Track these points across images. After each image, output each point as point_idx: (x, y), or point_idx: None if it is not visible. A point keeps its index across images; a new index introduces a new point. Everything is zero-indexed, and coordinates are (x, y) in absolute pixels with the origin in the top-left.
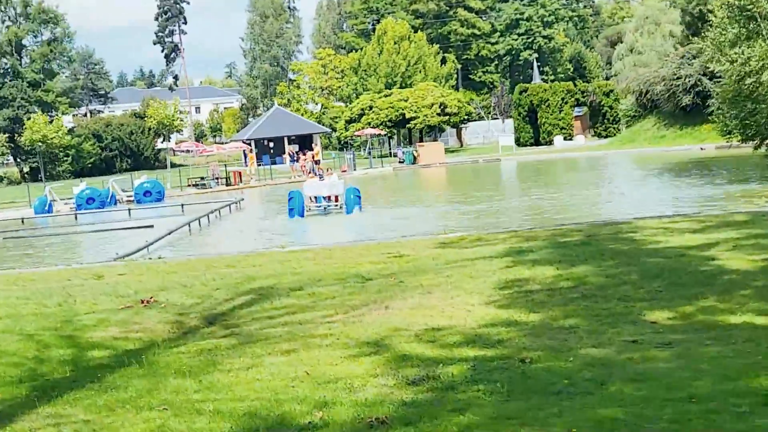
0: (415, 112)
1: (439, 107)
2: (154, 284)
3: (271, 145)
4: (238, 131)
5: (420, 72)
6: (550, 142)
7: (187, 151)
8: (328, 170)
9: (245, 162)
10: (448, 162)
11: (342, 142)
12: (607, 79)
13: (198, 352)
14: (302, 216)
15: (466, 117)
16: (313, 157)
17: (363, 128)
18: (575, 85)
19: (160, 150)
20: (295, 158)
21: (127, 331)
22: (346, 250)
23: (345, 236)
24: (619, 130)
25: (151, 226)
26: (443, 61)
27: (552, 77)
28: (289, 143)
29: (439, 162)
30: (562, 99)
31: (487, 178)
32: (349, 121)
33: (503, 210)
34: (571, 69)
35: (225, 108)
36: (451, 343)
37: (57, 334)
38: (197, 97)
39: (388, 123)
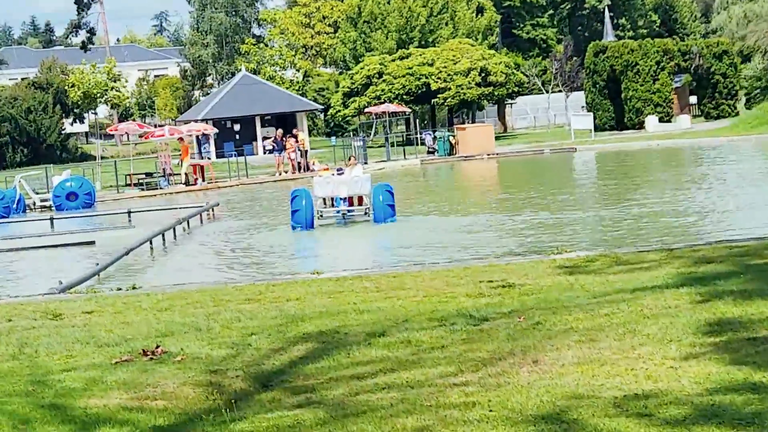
0: (445, 80)
1: (479, 74)
2: (147, 327)
3: (237, 127)
4: (178, 108)
5: (447, 25)
6: (640, 125)
7: (125, 136)
8: (350, 160)
9: (199, 150)
10: (500, 153)
11: (333, 124)
12: (706, 36)
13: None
14: (311, 227)
15: (516, 89)
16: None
17: (373, 104)
18: (675, 44)
19: (69, 135)
20: (280, 146)
21: (140, 397)
22: (420, 278)
23: (383, 257)
24: (734, 108)
25: (92, 243)
26: (479, 10)
27: (630, 33)
28: (264, 125)
29: (488, 153)
30: (657, 63)
31: (565, 175)
32: (349, 94)
33: (612, 220)
34: (657, 22)
35: (156, 76)
36: (679, 419)
37: (33, 403)
38: (118, 61)
39: (404, 96)
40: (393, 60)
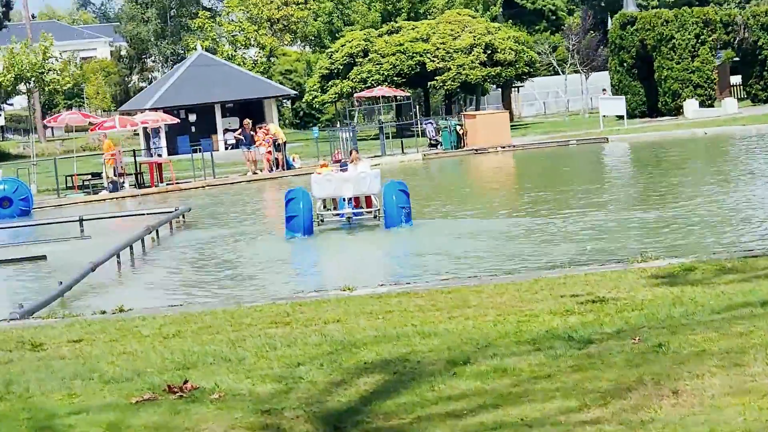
0: (443, 59)
1: (484, 52)
2: (160, 358)
3: (192, 118)
4: (113, 97)
5: None
6: (677, 110)
7: (51, 131)
8: (353, 153)
9: (147, 146)
10: (517, 145)
11: (303, 113)
12: (746, 3)
13: None
14: (310, 233)
15: (526, 69)
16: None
17: (360, 88)
18: (715, 13)
19: None
20: (249, 140)
21: None
22: (482, 293)
23: (408, 269)
24: None
25: (43, 258)
26: None
27: (655, 2)
28: (225, 114)
29: (503, 145)
30: (697, 37)
31: (600, 170)
32: (328, 77)
33: (680, 221)
34: None
35: (83, 59)
36: None
37: None
38: (37, 40)
39: (395, 79)
40: (380, 35)
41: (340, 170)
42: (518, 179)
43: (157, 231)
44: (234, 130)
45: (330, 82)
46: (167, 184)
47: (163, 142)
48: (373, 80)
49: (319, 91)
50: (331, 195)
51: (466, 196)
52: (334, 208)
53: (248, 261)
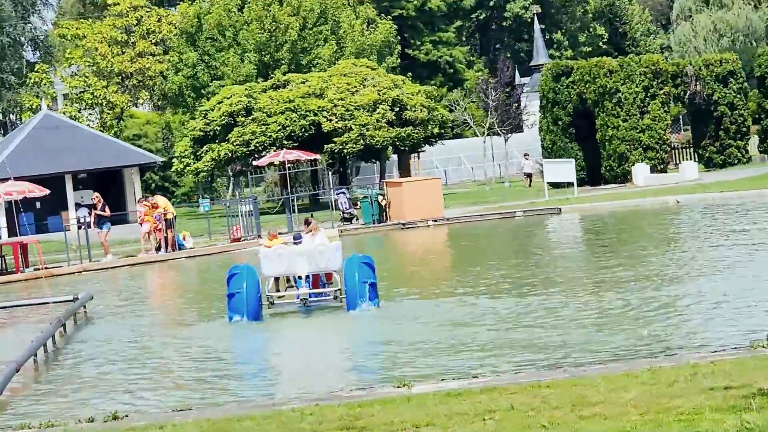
0: (342, 119)
1: (391, 109)
2: None
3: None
4: None
5: (328, 41)
6: (624, 177)
7: None
8: (309, 223)
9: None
10: (452, 218)
11: (154, 186)
12: (662, 52)
13: None
14: (256, 318)
15: (437, 130)
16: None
17: (241, 152)
18: (665, 61)
19: None
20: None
21: None
22: (595, 386)
23: (399, 364)
24: (746, 152)
25: None
26: (369, 23)
27: (569, 53)
28: (78, 186)
29: (435, 218)
30: (646, 89)
31: (568, 246)
32: (202, 140)
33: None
34: (605, 36)
35: None
36: None
37: None
38: None
39: (285, 142)
40: (264, 90)
41: (294, 243)
42: (472, 256)
43: (63, 327)
44: (90, 206)
45: (205, 147)
46: (35, 269)
47: (2, 221)
48: (257, 143)
49: (192, 157)
50: (283, 273)
51: (417, 276)
52: (287, 288)
53: (196, 353)
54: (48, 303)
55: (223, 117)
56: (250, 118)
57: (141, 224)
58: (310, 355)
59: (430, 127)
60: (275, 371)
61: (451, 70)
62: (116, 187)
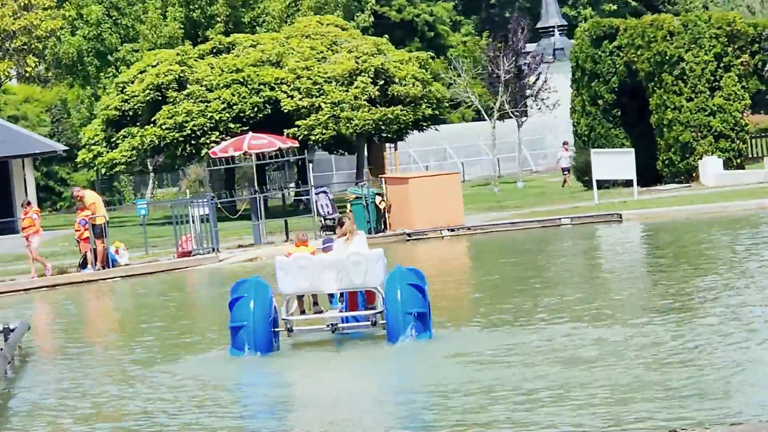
0: (309, 95)
1: (373, 82)
2: None
3: None
4: None
5: None
6: (688, 174)
7: None
8: (344, 224)
9: None
10: (475, 226)
11: (43, 185)
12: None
13: None
14: (266, 349)
15: (430, 111)
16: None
17: (172, 137)
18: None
19: None
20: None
21: None
22: None
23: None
24: None
25: None
26: None
27: (588, 11)
28: None
29: (451, 226)
30: (718, 57)
31: (638, 262)
32: (118, 123)
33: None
34: None
35: None
36: None
37: None
38: None
39: (230, 125)
40: (201, 56)
41: (322, 249)
42: (522, 273)
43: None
44: None
45: (122, 131)
46: None
47: None
48: (194, 126)
49: (104, 145)
50: (305, 290)
51: (464, 300)
52: (313, 310)
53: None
54: None
55: (147, 92)
56: (184, 93)
57: (27, 239)
58: (323, 411)
59: (422, 108)
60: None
61: (432, 33)
62: (1, 183)
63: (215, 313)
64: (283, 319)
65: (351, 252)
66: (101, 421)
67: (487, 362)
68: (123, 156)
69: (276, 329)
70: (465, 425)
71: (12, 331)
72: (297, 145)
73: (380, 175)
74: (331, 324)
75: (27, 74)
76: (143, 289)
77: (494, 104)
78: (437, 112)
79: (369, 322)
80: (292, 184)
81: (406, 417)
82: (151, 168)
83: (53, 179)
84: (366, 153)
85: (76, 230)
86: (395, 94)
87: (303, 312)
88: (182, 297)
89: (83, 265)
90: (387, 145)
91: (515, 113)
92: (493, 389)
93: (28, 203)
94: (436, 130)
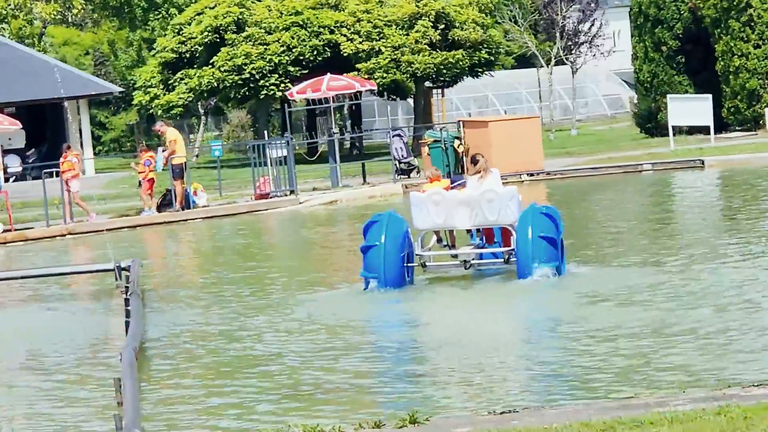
0: (368, 39)
1: (434, 26)
2: None
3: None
4: None
5: None
6: (755, 121)
7: None
8: (475, 163)
9: None
10: (554, 171)
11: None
12: None
13: None
14: (397, 284)
15: (487, 56)
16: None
17: (231, 80)
18: None
19: None
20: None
21: None
22: None
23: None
24: None
25: None
26: None
27: None
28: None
29: (530, 171)
30: None
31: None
32: (175, 65)
33: None
34: None
35: None
36: None
37: None
38: None
39: (289, 68)
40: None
41: (454, 186)
42: (622, 214)
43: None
44: (21, 151)
45: (179, 74)
46: (3, 231)
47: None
48: (254, 69)
49: (162, 87)
50: (439, 225)
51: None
52: (448, 245)
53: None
54: (91, 272)
55: (205, 34)
56: (243, 35)
57: (67, 183)
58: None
59: (481, 53)
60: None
61: None
62: (53, 127)
63: (326, 252)
64: (417, 254)
65: (484, 189)
66: (232, 365)
67: (625, 302)
68: (180, 98)
69: (410, 264)
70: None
71: (125, 269)
72: (375, 87)
73: (464, 120)
74: (465, 260)
75: (73, 16)
76: (232, 230)
77: (551, 50)
78: (492, 58)
79: (502, 259)
80: (336, 130)
81: (547, 359)
82: (202, 111)
83: (92, 123)
84: (413, 100)
85: (139, 172)
86: (456, 38)
87: (445, 246)
88: (282, 237)
89: (164, 205)
90: (435, 92)
91: (570, 60)
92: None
93: (68, 147)
94: (491, 76)
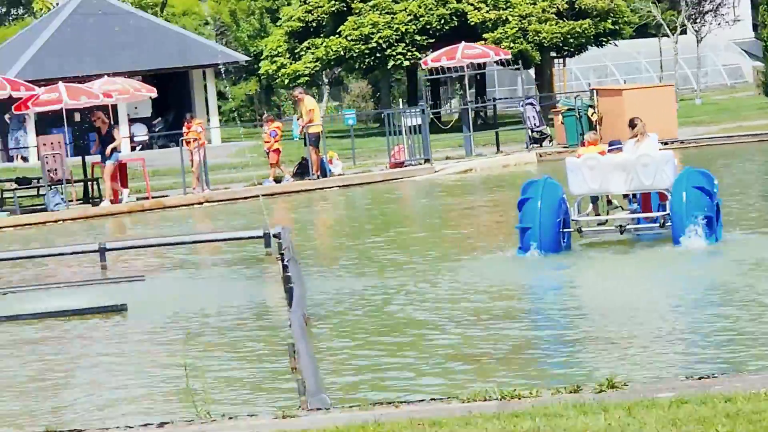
0: (496, 7)
1: None
2: None
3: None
4: None
5: None
6: None
7: None
8: (633, 127)
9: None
10: (689, 140)
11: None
12: None
13: None
14: (553, 248)
15: (611, 26)
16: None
17: (357, 49)
18: None
19: None
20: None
21: None
22: None
23: None
24: None
25: (123, 308)
26: None
27: None
28: None
29: (664, 140)
30: None
31: None
32: (302, 34)
33: None
34: None
35: None
36: None
37: None
38: None
39: (416, 38)
40: None
41: (610, 150)
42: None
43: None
44: (149, 121)
45: (306, 43)
46: (140, 199)
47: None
48: (380, 38)
49: (289, 56)
50: (595, 190)
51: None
52: (602, 210)
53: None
54: (241, 238)
55: (332, 2)
56: (370, 4)
57: (191, 153)
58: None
59: (607, 22)
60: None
61: None
62: (180, 96)
63: (471, 219)
64: (573, 220)
65: (640, 153)
66: (396, 329)
67: None
68: (306, 68)
69: (566, 229)
70: None
71: (276, 235)
72: (509, 56)
73: (597, 87)
74: (620, 225)
75: None
76: (371, 198)
77: (676, 19)
78: (617, 28)
79: (658, 224)
80: (454, 100)
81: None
82: (326, 81)
83: None
84: (534, 70)
85: (265, 141)
86: (582, 7)
87: (597, 213)
88: (423, 204)
89: (299, 173)
90: (557, 62)
91: (694, 29)
92: None
93: (192, 117)
94: (616, 45)
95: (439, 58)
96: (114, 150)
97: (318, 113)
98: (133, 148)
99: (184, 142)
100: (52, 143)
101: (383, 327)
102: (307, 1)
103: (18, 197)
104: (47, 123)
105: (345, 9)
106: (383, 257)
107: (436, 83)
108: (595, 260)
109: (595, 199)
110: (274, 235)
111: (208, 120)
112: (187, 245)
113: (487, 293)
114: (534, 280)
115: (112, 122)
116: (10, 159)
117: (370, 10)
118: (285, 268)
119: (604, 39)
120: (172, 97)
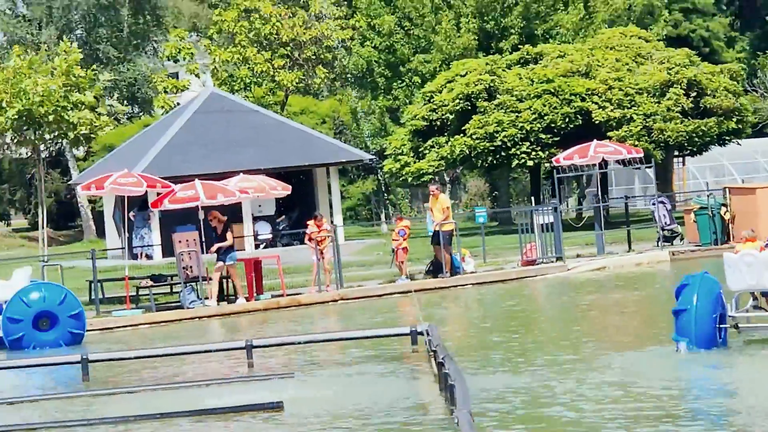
0: (621, 106)
1: (686, 94)
2: None
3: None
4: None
5: (574, 3)
6: None
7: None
8: None
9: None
10: None
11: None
12: None
13: None
14: (708, 344)
15: (735, 124)
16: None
17: (481, 147)
18: None
19: None
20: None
21: None
22: None
23: None
24: None
25: (280, 406)
26: None
27: None
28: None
29: None
30: None
31: None
32: (426, 133)
33: None
34: None
35: None
36: None
37: None
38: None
39: (540, 135)
40: (509, 66)
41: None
42: None
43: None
44: (273, 219)
45: (429, 141)
46: (274, 296)
47: (157, 233)
48: (505, 137)
49: (412, 155)
50: (753, 287)
51: None
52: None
53: None
54: (388, 335)
55: (457, 101)
56: (494, 102)
57: (322, 252)
58: None
59: (731, 121)
60: None
61: (707, 49)
62: (303, 192)
63: (615, 316)
64: (730, 316)
65: None
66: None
67: None
68: (431, 166)
69: (722, 325)
70: None
71: (421, 333)
72: (641, 154)
73: (727, 187)
74: None
75: (316, 85)
76: (505, 295)
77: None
78: (740, 126)
79: None
80: (571, 198)
81: None
82: (447, 179)
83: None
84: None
85: (393, 239)
86: (707, 106)
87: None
88: (562, 301)
89: (432, 271)
90: (676, 161)
91: None
92: None
93: (321, 215)
94: (739, 144)
95: (571, 156)
96: (230, 249)
97: (450, 212)
98: (257, 246)
99: (315, 239)
100: (187, 240)
101: (550, 425)
102: (432, 100)
103: (154, 294)
104: (172, 221)
105: (470, 108)
106: (533, 354)
107: (558, 181)
108: (757, 357)
109: (753, 295)
110: (420, 333)
111: (331, 218)
112: (333, 342)
113: (646, 392)
114: (692, 379)
115: (227, 221)
116: (135, 257)
117: (494, 108)
118: (440, 365)
119: (727, 138)
120: (295, 195)
